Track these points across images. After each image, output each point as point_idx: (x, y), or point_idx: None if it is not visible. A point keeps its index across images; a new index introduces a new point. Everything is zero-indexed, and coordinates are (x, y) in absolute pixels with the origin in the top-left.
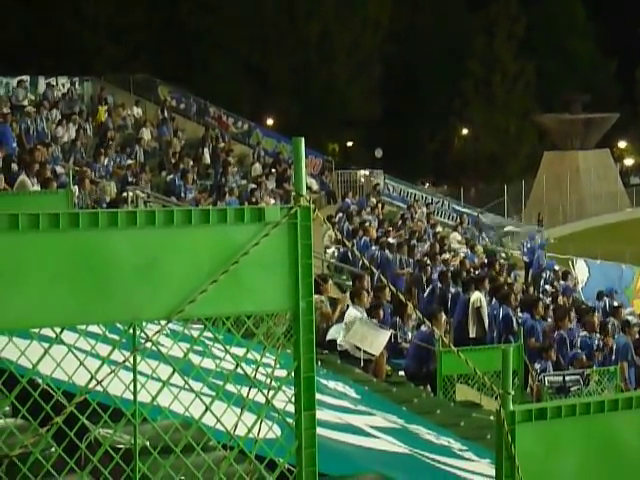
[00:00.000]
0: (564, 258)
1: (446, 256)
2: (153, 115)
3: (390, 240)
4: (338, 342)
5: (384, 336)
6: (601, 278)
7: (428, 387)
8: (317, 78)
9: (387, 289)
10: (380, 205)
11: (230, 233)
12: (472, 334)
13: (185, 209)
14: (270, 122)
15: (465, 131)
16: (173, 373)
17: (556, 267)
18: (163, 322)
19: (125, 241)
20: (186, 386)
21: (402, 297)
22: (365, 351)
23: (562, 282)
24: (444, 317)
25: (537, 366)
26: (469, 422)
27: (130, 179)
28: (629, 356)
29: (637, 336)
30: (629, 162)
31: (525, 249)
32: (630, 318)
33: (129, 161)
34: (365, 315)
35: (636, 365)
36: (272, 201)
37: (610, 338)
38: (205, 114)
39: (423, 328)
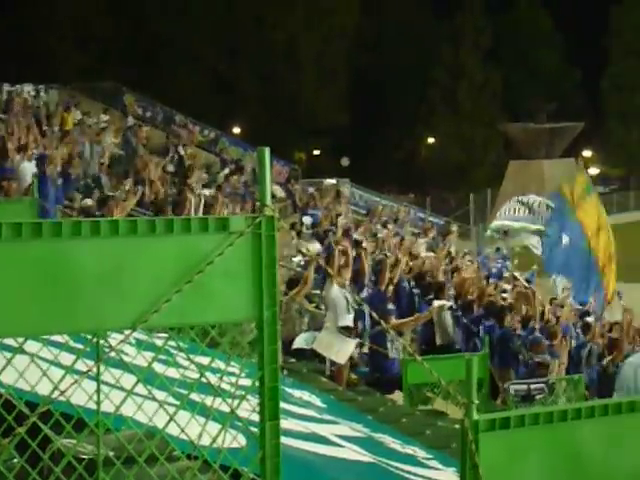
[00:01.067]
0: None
1: (411, 263)
2: (119, 123)
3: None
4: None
5: (350, 344)
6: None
7: (396, 394)
8: (284, 86)
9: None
10: (345, 213)
11: (194, 243)
12: (438, 341)
13: (149, 219)
14: (237, 130)
15: (431, 140)
16: (137, 383)
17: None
18: (127, 332)
19: (89, 251)
20: (150, 395)
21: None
22: (331, 360)
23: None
24: (394, 319)
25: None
26: (435, 431)
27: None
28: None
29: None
30: (594, 171)
31: (481, 260)
32: (589, 320)
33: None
34: (348, 293)
35: (598, 370)
36: (237, 210)
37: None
38: (171, 122)
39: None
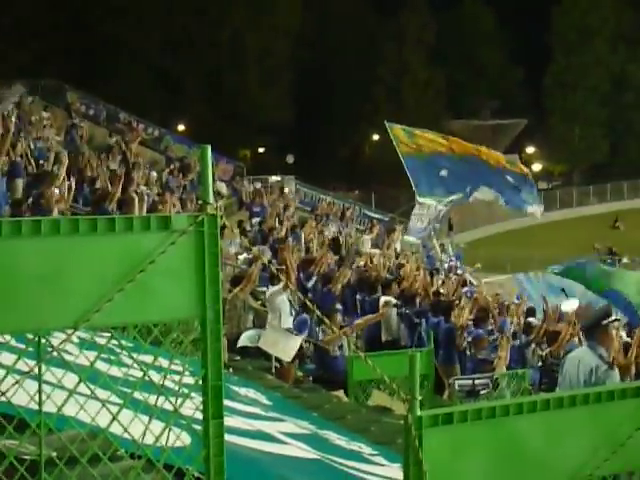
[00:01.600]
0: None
1: (358, 260)
2: (62, 121)
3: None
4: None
5: (296, 341)
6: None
7: (341, 391)
8: (228, 84)
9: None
10: (290, 210)
11: (136, 241)
12: (383, 337)
13: (90, 218)
14: (181, 128)
15: (376, 137)
16: (80, 382)
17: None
18: (70, 331)
19: (29, 250)
20: (93, 395)
21: (305, 299)
22: (276, 357)
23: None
24: (339, 318)
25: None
26: (380, 427)
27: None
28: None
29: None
30: (537, 167)
31: (425, 257)
32: (532, 320)
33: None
34: (288, 295)
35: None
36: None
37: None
38: (115, 120)
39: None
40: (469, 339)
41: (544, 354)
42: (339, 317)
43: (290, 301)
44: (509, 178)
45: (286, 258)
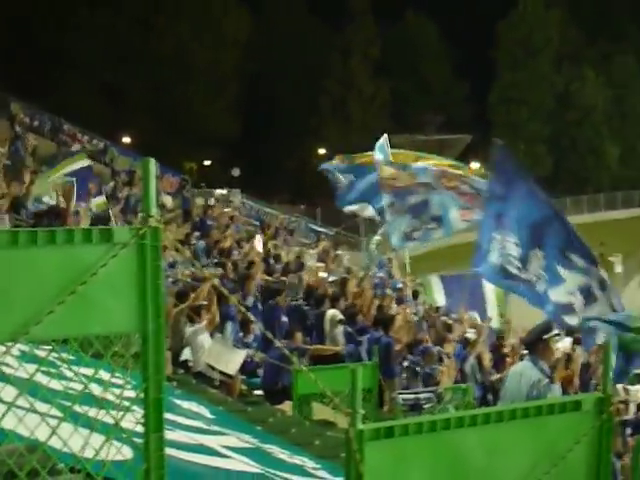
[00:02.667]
0: (418, 278)
1: (302, 274)
2: (5, 132)
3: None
4: (190, 364)
5: (239, 356)
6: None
7: (286, 403)
8: (173, 96)
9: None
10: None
11: (78, 254)
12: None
13: (30, 230)
14: (127, 140)
15: (322, 150)
16: (19, 395)
17: (400, 286)
18: (9, 344)
19: None
20: (32, 408)
21: (247, 314)
22: (221, 371)
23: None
24: (300, 335)
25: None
26: (324, 441)
27: None
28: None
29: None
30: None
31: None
32: (470, 335)
33: None
34: (207, 330)
35: (482, 382)
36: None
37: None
38: (59, 131)
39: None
40: (418, 353)
41: (495, 379)
42: (299, 334)
43: (211, 336)
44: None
45: (209, 293)
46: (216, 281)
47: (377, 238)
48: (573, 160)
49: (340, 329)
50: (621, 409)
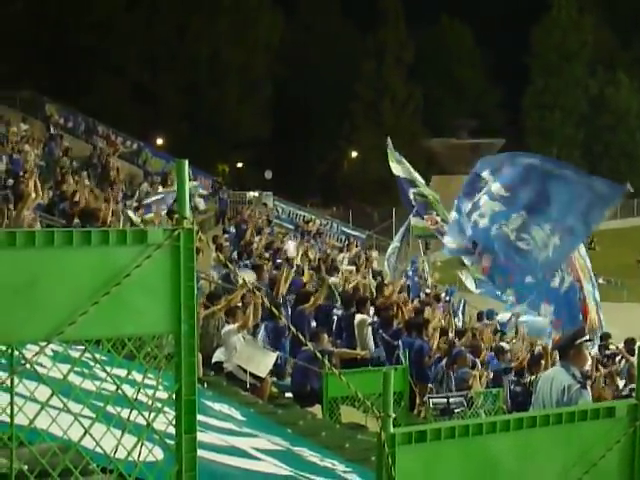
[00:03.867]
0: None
1: (334, 278)
2: (40, 133)
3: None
4: (224, 364)
5: (271, 358)
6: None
7: (317, 406)
8: (207, 98)
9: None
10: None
11: (112, 255)
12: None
13: (66, 230)
14: (160, 142)
15: (354, 154)
16: (52, 395)
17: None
18: (43, 343)
19: (4, 261)
20: (65, 408)
21: (281, 317)
22: (251, 373)
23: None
24: (326, 337)
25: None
26: (354, 444)
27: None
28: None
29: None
30: None
31: (410, 272)
32: (504, 345)
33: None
34: (240, 331)
35: (511, 388)
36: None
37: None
38: (93, 133)
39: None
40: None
41: (528, 380)
42: (325, 337)
43: (244, 338)
44: None
45: (244, 296)
46: (251, 282)
47: (395, 246)
48: (607, 165)
49: (369, 334)
50: None
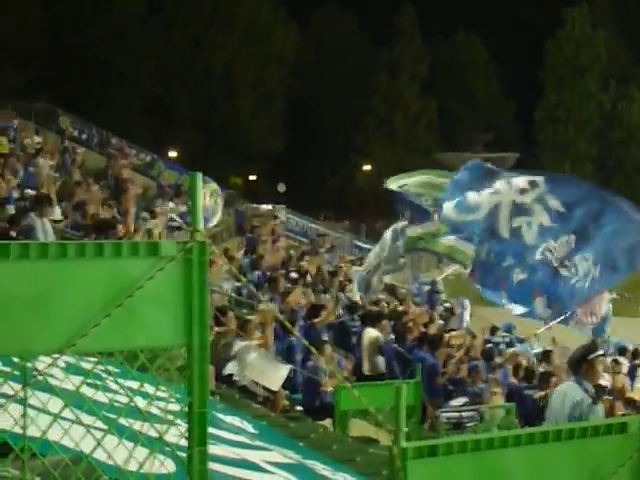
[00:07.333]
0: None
1: (348, 292)
2: (53, 144)
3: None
4: (234, 377)
5: (283, 371)
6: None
7: (328, 421)
8: (220, 111)
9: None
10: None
11: (125, 267)
12: (366, 371)
13: (78, 242)
14: (173, 154)
15: (368, 167)
16: (64, 407)
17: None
18: (56, 355)
19: (17, 273)
20: (78, 420)
21: (290, 329)
22: (264, 386)
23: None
24: (329, 349)
25: (454, 402)
26: (365, 458)
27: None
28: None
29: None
30: None
31: (416, 289)
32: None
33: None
34: (253, 346)
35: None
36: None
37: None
38: (107, 145)
39: (310, 362)
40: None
41: (538, 396)
42: (328, 348)
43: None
44: None
45: (264, 315)
46: (270, 308)
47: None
48: (620, 179)
49: (376, 350)
50: None
